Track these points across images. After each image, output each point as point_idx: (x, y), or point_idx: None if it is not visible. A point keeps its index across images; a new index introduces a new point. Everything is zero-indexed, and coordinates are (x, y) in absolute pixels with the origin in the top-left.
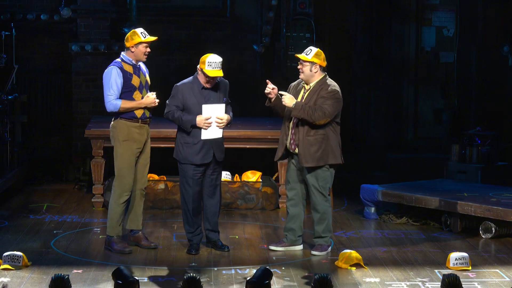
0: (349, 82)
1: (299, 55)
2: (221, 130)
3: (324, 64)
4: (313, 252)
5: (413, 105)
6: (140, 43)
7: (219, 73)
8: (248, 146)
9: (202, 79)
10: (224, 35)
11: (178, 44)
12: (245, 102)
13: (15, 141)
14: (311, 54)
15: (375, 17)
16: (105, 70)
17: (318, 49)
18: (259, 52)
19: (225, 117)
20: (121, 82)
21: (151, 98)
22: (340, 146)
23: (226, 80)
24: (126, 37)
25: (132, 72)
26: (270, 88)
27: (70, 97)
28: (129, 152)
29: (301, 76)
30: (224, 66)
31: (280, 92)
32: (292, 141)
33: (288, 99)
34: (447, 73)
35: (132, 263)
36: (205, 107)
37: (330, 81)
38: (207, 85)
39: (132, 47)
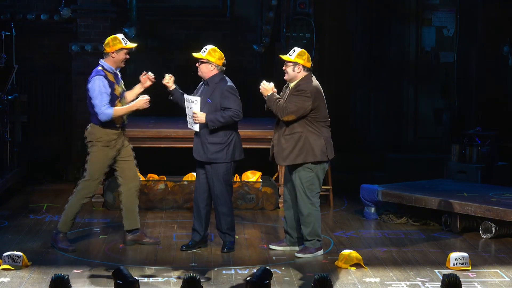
0: (349, 82)
1: (282, 56)
2: (197, 124)
3: (308, 64)
4: (296, 254)
5: (413, 105)
6: (122, 49)
7: (198, 54)
8: (248, 146)
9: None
10: (224, 35)
11: (178, 44)
12: (245, 102)
13: (15, 141)
14: (294, 55)
15: (375, 17)
16: (91, 81)
17: (302, 49)
18: (259, 52)
19: (198, 114)
20: (109, 91)
21: (143, 99)
22: (326, 144)
23: (227, 86)
24: (106, 42)
25: (114, 81)
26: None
27: (70, 97)
28: (105, 159)
29: (286, 77)
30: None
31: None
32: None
33: (264, 89)
34: (447, 73)
35: (132, 263)
36: (186, 97)
37: (310, 81)
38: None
39: (113, 52)
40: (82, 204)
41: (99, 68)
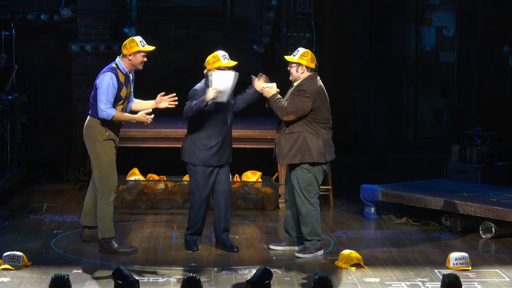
0: (349, 82)
1: (286, 57)
2: (227, 94)
3: (312, 65)
4: (296, 254)
5: (413, 105)
6: (138, 52)
7: (234, 62)
8: (248, 146)
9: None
10: (224, 35)
11: (178, 44)
12: None
13: (15, 141)
14: (297, 55)
15: (375, 17)
16: (101, 75)
17: (305, 50)
18: (259, 52)
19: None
20: (116, 90)
21: (146, 116)
22: (324, 146)
23: (236, 73)
24: (124, 43)
25: (123, 82)
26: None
27: (70, 97)
28: (111, 151)
29: (290, 77)
30: None
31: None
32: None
33: (267, 92)
34: (447, 73)
35: (132, 263)
36: (215, 73)
37: (313, 81)
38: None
39: (130, 55)
40: (112, 203)
41: (113, 65)
